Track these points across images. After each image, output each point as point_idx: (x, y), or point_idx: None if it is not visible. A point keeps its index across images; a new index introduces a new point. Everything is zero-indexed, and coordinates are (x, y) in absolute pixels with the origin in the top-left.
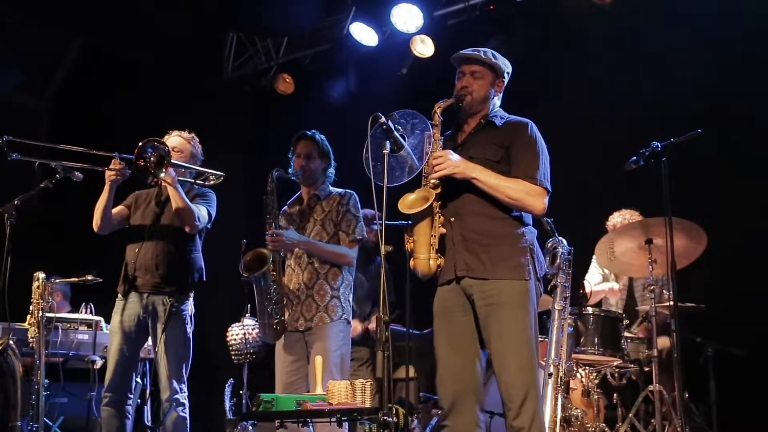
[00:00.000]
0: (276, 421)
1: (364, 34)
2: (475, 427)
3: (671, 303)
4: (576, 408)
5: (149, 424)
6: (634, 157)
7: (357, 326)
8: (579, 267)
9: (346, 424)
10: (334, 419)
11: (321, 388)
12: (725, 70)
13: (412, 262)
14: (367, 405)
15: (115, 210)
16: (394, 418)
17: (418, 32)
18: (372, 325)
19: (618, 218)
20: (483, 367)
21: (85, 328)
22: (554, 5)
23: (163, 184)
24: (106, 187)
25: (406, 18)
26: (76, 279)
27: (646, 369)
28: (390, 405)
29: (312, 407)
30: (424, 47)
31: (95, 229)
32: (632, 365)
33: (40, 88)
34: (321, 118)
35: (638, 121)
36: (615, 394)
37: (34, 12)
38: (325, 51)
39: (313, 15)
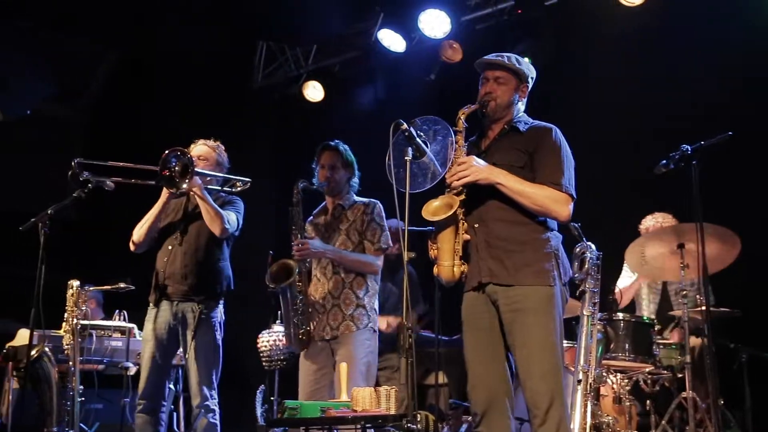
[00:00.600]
0: (300, 427)
1: (392, 40)
2: None
3: (704, 308)
4: (607, 415)
5: (178, 430)
6: (664, 161)
7: (393, 321)
8: (608, 272)
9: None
10: (358, 426)
11: (346, 395)
12: (757, 70)
13: (436, 269)
14: (392, 412)
15: None
16: (418, 425)
17: (446, 37)
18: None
19: (651, 221)
20: (513, 374)
21: (119, 335)
22: (583, 7)
23: (190, 192)
24: (162, 200)
25: (434, 23)
26: (109, 287)
27: (680, 375)
28: (414, 412)
29: (336, 414)
30: (452, 52)
31: (135, 243)
32: (665, 371)
33: (75, 100)
34: (350, 126)
35: (669, 124)
36: (648, 401)
37: (69, 24)
38: (354, 58)
39: (341, 22)
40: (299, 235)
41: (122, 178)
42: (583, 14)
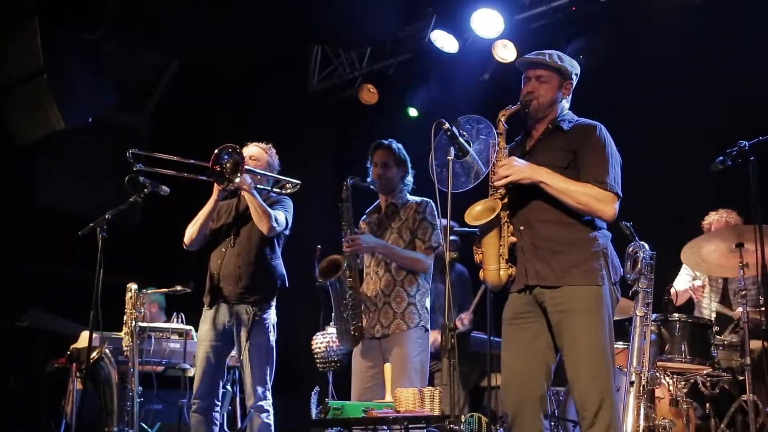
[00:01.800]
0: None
1: (444, 41)
2: None
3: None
4: (663, 418)
5: (229, 430)
6: (721, 157)
7: (437, 338)
8: (662, 272)
9: None
10: (400, 427)
11: (391, 395)
12: None
13: (482, 274)
14: (435, 413)
15: None
16: (461, 426)
17: (500, 37)
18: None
19: (714, 217)
20: (551, 376)
21: (177, 337)
22: (639, 4)
23: (240, 191)
24: (214, 197)
25: (487, 23)
26: (166, 290)
27: (740, 378)
28: (458, 413)
29: (378, 414)
30: (506, 52)
31: (186, 243)
32: (724, 374)
33: (138, 108)
34: (405, 127)
35: (727, 121)
36: (708, 404)
37: (131, 35)
38: (408, 60)
39: (394, 24)
40: (349, 231)
41: (176, 172)
42: (638, 11)
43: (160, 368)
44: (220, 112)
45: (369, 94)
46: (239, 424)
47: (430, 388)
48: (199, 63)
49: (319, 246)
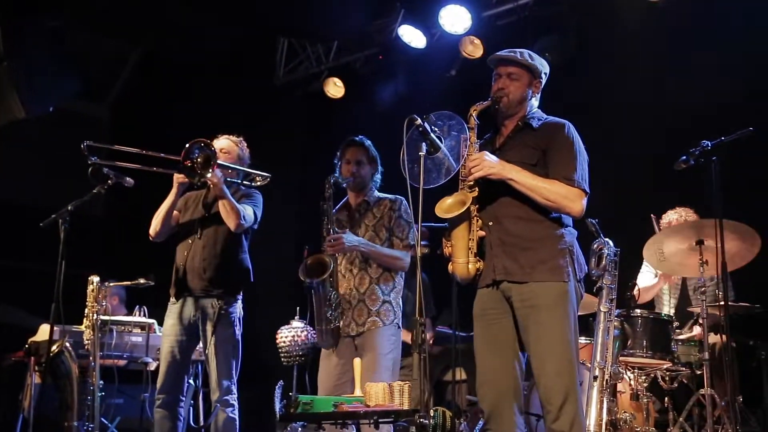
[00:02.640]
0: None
1: (412, 36)
2: (516, 430)
3: (722, 304)
4: (624, 411)
5: (200, 424)
6: (684, 156)
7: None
8: (626, 269)
9: (391, 428)
10: (370, 421)
11: (360, 390)
12: None
13: (450, 267)
14: (405, 407)
15: None
16: (431, 420)
17: (467, 33)
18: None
19: (673, 216)
20: (523, 369)
21: (139, 331)
22: (605, 4)
23: (209, 184)
24: (174, 190)
25: (455, 19)
26: (129, 282)
27: (698, 372)
28: (427, 407)
29: (348, 409)
30: (473, 48)
31: (152, 234)
32: (683, 368)
33: (100, 98)
34: (371, 122)
35: (690, 121)
36: (666, 398)
37: (94, 23)
38: (375, 54)
39: (362, 18)
40: (332, 230)
41: (145, 167)
42: (605, 9)
43: (121, 362)
44: (184, 103)
45: (335, 88)
46: (201, 419)
47: (399, 382)
48: (164, 53)
49: (307, 246)
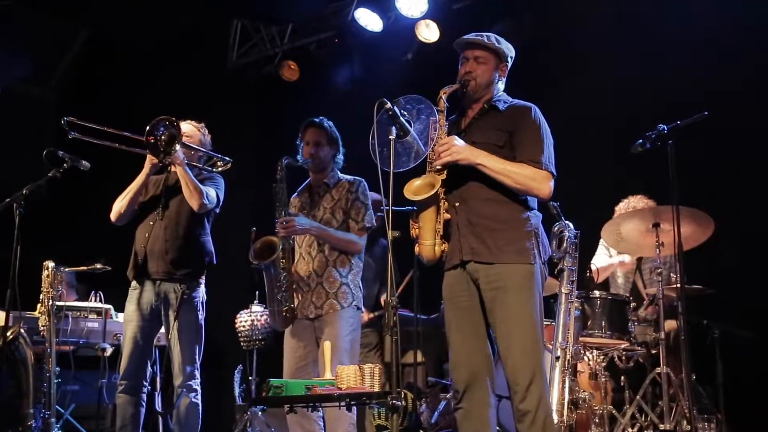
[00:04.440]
0: (285, 405)
1: (368, 19)
2: (489, 408)
3: (678, 285)
4: (583, 391)
5: (160, 410)
6: (641, 140)
7: (364, 316)
8: (586, 251)
9: (354, 408)
10: (343, 404)
11: (330, 373)
12: (732, 47)
13: (417, 248)
14: (376, 389)
15: None
16: (403, 402)
17: (423, 17)
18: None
19: (630, 203)
20: (494, 350)
21: (95, 317)
22: None
23: (171, 166)
24: (145, 171)
25: (411, 3)
26: (85, 268)
27: (654, 352)
28: (399, 389)
29: (321, 392)
30: (429, 32)
31: (114, 217)
32: (639, 348)
33: (46, 78)
34: (326, 105)
35: (648, 105)
36: (622, 377)
37: (41, 2)
38: (330, 37)
39: (318, 1)
40: (283, 212)
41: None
42: None
43: (74, 348)
44: (134, 86)
45: (290, 71)
46: (158, 404)
47: (370, 365)
48: (112, 34)
49: (254, 228)
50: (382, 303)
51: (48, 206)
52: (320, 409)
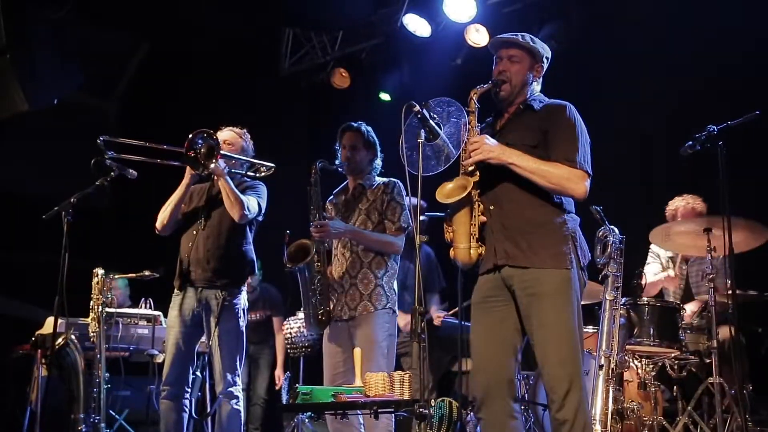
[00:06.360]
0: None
1: (417, 25)
2: (509, 418)
3: (730, 292)
4: (631, 401)
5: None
6: (690, 142)
7: (408, 321)
8: (632, 256)
9: (393, 416)
10: (369, 411)
11: (360, 380)
12: None
13: (452, 252)
14: (405, 397)
15: None
16: (431, 411)
17: (472, 21)
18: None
19: (680, 203)
20: (519, 359)
21: (145, 323)
22: None
23: (213, 176)
24: (185, 181)
25: (459, 7)
26: (134, 275)
27: (707, 361)
28: (427, 397)
29: (347, 399)
30: (478, 36)
31: (158, 228)
32: (692, 357)
33: (108, 90)
34: (377, 111)
35: (700, 104)
36: (675, 387)
37: (99, 17)
38: (380, 44)
39: (367, 8)
40: (318, 216)
41: (148, 158)
42: None
43: (127, 354)
44: (190, 95)
45: (341, 78)
46: (208, 410)
47: (400, 372)
48: (170, 46)
49: (288, 231)
50: (430, 312)
51: (104, 214)
52: (356, 418)
